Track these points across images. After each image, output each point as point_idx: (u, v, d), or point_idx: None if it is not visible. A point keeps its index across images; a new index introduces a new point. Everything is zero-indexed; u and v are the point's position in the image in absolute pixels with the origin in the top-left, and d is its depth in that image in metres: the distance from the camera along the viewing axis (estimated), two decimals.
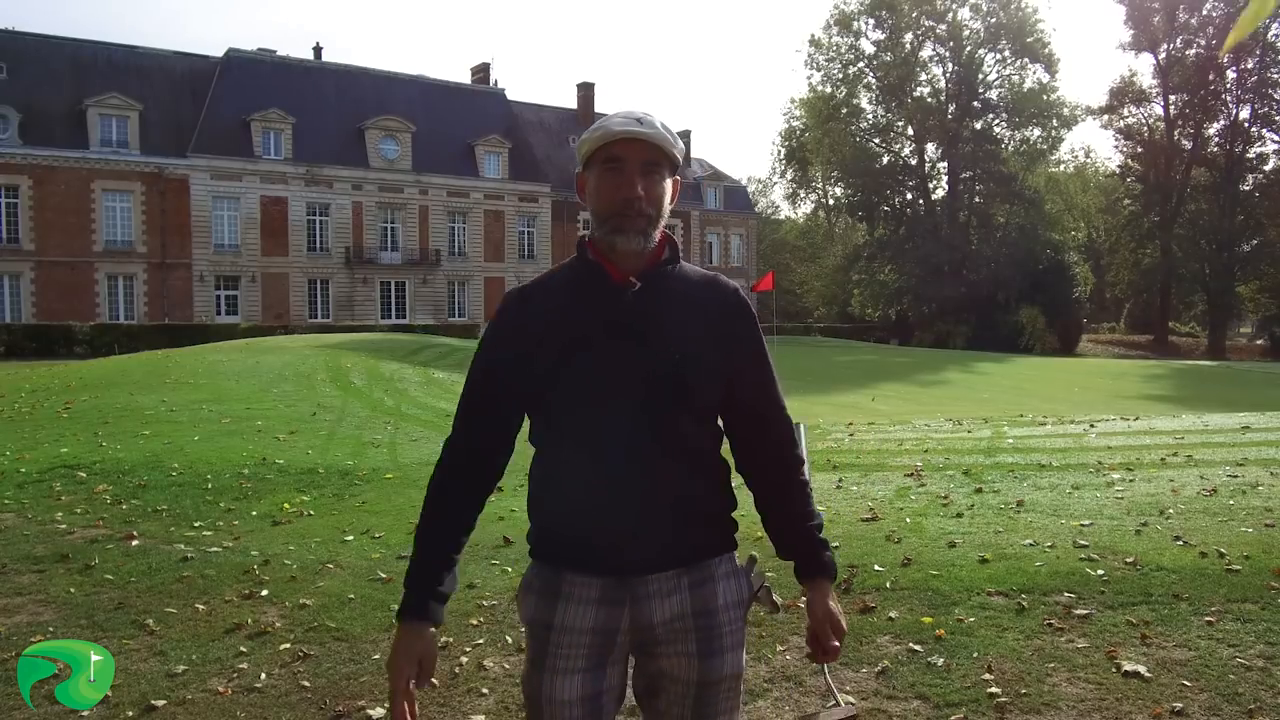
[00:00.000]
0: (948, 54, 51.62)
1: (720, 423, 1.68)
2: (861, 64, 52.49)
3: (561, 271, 1.66)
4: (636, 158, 1.55)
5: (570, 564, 1.56)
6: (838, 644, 1.61)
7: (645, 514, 1.53)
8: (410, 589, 1.56)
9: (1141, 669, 3.19)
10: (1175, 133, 53.85)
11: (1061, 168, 56.84)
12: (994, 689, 3.11)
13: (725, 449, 1.68)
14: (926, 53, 52.54)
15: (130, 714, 3.16)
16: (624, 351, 1.53)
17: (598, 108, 54.34)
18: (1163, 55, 53.23)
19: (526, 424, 1.66)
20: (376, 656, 3.65)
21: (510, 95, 50.56)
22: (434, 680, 1.41)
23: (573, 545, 1.57)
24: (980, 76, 51.32)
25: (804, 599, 1.62)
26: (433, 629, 1.54)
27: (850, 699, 1.68)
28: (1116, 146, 60.28)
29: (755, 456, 1.69)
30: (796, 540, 1.67)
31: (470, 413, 1.64)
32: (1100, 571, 4.20)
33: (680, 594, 1.57)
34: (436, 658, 1.57)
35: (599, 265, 1.59)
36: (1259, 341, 56.22)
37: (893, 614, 3.84)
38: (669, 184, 1.61)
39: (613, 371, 1.52)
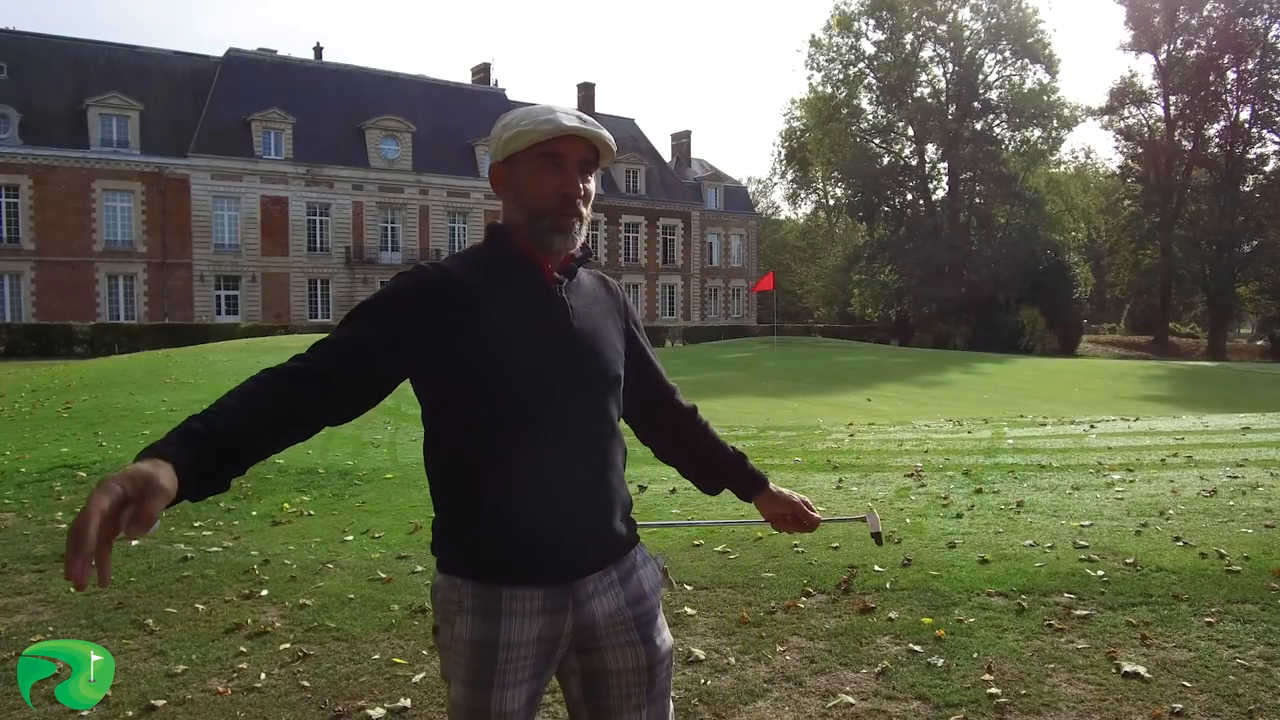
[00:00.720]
0: (948, 54, 51.57)
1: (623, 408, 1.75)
2: (862, 64, 52.41)
3: (480, 258, 1.58)
4: (576, 155, 1.54)
5: (510, 579, 1.50)
6: (815, 515, 1.84)
7: (592, 511, 1.56)
8: (171, 433, 1.26)
9: (1141, 670, 3.19)
10: (1175, 133, 53.82)
11: (1062, 168, 56.82)
12: (994, 689, 3.11)
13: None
14: (927, 53, 52.51)
15: (130, 714, 3.16)
16: (566, 347, 1.54)
17: (598, 108, 54.34)
18: (1163, 56, 53.21)
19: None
20: (376, 656, 3.65)
21: (511, 95, 50.56)
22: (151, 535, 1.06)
23: (522, 555, 1.50)
24: (980, 77, 51.25)
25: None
26: (170, 475, 1.19)
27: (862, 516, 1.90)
28: (1117, 147, 60.27)
29: (663, 420, 1.81)
30: (726, 468, 1.83)
31: (352, 347, 1.44)
32: (1100, 572, 4.20)
33: (615, 589, 1.59)
34: (159, 507, 1.16)
35: (534, 261, 1.57)
36: (1259, 342, 56.17)
37: (892, 614, 3.84)
38: (594, 183, 1.62)
39: (561, 367, 1.52)
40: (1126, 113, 56.36)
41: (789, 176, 64.59)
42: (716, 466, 1.83)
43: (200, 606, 4.28)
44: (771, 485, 1.83)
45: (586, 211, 1.58)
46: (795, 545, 4.95)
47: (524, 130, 1.53)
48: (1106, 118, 56.44)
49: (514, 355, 1.49)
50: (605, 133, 1.56)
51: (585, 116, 1.57)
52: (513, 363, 1.48)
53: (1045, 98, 49.76)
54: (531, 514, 1.49)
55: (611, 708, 1.61)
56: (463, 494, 1.54)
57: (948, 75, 52.14)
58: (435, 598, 1.58)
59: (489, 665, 1.49)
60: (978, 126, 51.54)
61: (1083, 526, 5.08)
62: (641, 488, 6.70)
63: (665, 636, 1.65)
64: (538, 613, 1.51)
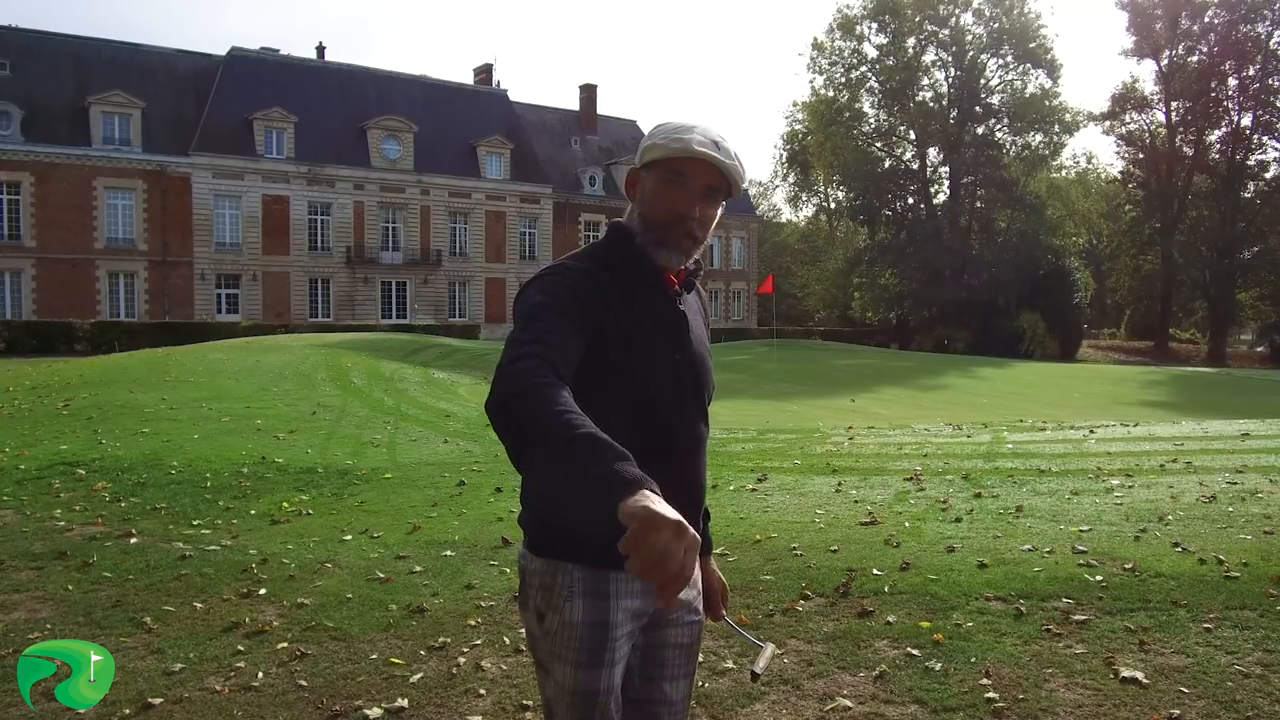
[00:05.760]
0: (950, 59, 51.55)
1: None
2: (864, 68, 52.40)
3: (608, 261, 1.61)
4: (702, 178, 1.57)
5: (618, 563, 1.50)
6: (722, 612, 1.92)
7: (691, 504, 1.67)
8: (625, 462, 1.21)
9: (1139, 675, 3.19)
10: (1177, 139, 53.83)
11: (1063, 173, 56.75)
12: (991, 694, 3.11)
13: None
14: (929, 57, 52.49)
15: (127, 712, 3.16)
16: (684, 359, 1.64)
17: (600, 109, 54.39)
18: (1165, 62, 53.24)
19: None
20: (374, 656, 3.65)
21: (512, 96, 50.62)
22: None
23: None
24: (982, 81, 51.24)
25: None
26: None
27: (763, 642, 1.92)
28: (1118, 152, 60.23)
29: None
30: None
31: (551, 335, 1.43)
32: (1099, 577, 4.20)
33: None
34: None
35: (657, 271, 1.63)
36: (1259, 349, 56.16)
37: (891, 618, 3.83)
38: (720, 210, 1.66)
39: (678, 377, 1.63)
40: (1128, 118, 56.40)
41: (790, 179, 64.63)
42: None
43: (198, 605, 4.28)
44: (711, 557, 1.90)
45: (703, 235, 1.61)
46: (794, 548, 4.95)
47: (658, 144, 1.58)
48: (1108, 123, 56.47)
49: (644, 362, 1.57)
50: (734, 161, 1.57)
51: (723, 142, 1.57)
52: (644, 369, 1.57)
53: (1047, 103, 49.73)
54: None
55: (663, 675, 1.74)
56: None
57: (950, 79, 52.15)
58: (533, 584, 1.62)
59: (601, 645, 1.57)
60: (979, 131, 51.53)
61: (1081, 531, 5.07)
62: None
63: (701, 617, 1.82)
64: (637, 594, 1.61)
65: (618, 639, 1.60)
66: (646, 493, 1.13)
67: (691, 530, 1.10)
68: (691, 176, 1.56)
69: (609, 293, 1.56)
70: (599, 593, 1.58)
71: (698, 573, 1.81)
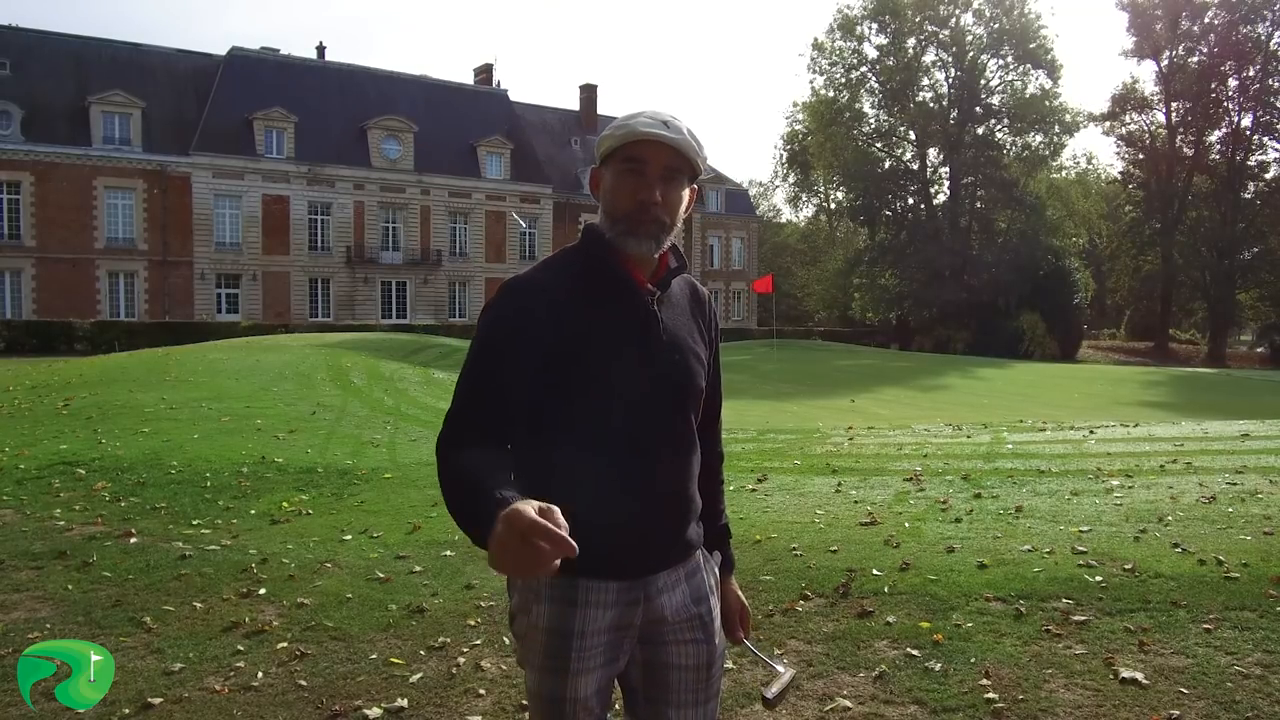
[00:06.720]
0: (950, 59, 51.55)
1: None
2: (864, 68, 52.42)
3: (573, 265, 1.60)
4: (658, 161, 1.54)
5: (588, 571, 1.52)
6: (740, 634, 1.86)
7: (671, 514, 1.64)
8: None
9: (1139, 676, 3.19)
10: (1177, 140, 53.85)
11: (1063, 174, 56.76)
12: (991, 695, 3.11)
13: None
14: (929, 58, 52.49)
15: (127, 711, 3.16)
16: (655, 361, 1.59)
17: (600, 109, 54.37)
18: (1165, 62, 53.27)
19: None
20: (374, 656, 3.65)
21: (513, 96, 50.63)
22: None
23: (595, 551, 1.51)
24: (983, 82, 51.25)
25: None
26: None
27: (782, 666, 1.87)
28: (1118, 153, 60.32)
29: (704, 446, 1.77)
30: (711, 534, 1.82)
31: (476, 407, 1.51)
32: (1098, 578, 4.20)
33: (681, 585, 1.67)
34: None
35: (627, 271, 1.59)
36: (1259, 349, 56.18)
37: (890, 618, 3.84)
38: (686, 192, 1.61)
39: (649, 380, 1.58)
40: (1128, 119, 56.44)
41: (790, 179, 64.69)
42: (709, 534, 1.81)
43: (198, 605, 4.28)
44: (732, 581, 1.87)
45: (669, 219, 1.57)
46: (794, 548, 4.95)
47: (608, 134, 1.57)
48: (1108, 124, 56.51)
49: (606, 366, 1.54)
50: (686, 138, 1.54)
51: (673, 121, 1.55)
52: (606, 374, 1.54)
53: (1047, 103, 49.70)
54: (614, 513, 1.53)
55: (670, 700, 1.68)
56: (548, 489, 1.52)
57: (950, 80, 52.14)
58: (514, 584, 1.64)
59: (563, 652, 1.55)
60: (979, 131, 51.52)
61: (1081, 532, 5.08)
62: None
63: (721, 636, 1.74)
64: (611, 604, 1.58)
65: (585, 648, 1.55)
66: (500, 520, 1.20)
67: (515, 516, 1.17)
68: (647, 160, 1.54)
69: (568, 299, 1.54)
70: (565, 599, 1.55)
71: (708, 589, 1.72)
